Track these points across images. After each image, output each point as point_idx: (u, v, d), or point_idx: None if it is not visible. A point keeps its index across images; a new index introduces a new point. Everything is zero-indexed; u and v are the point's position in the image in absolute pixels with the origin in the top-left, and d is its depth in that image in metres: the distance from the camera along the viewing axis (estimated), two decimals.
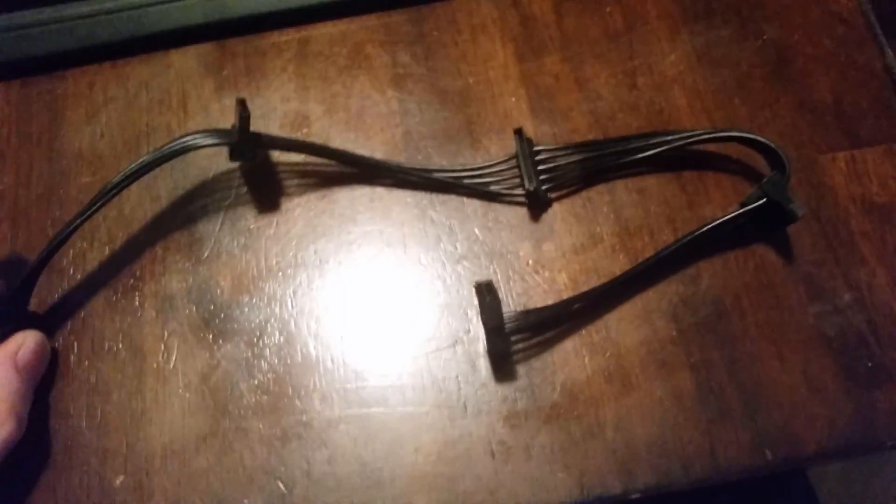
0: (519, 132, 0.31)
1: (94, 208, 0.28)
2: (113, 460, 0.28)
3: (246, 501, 0.27)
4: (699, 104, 0.33)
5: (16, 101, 0.34)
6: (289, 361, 0.29)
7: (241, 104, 0.29)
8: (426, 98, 0.33)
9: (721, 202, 0.31)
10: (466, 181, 0.31)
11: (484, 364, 0.29)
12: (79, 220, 0.28)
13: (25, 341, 0.27)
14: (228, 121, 0.32)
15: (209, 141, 0.28)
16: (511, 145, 0.32)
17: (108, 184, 0.28)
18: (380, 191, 0.32)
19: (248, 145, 0.29)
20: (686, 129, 0.31)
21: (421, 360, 0.29)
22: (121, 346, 0.29)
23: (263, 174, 0.32)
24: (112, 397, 0.29)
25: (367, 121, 0.33)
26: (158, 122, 0.33)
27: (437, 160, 0.32)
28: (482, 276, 0.30)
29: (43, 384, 0.28)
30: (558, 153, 0.31)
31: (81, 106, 0.34)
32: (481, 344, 0.29)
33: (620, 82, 0.34)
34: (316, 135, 0.33)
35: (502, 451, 0.27)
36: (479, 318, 0.28)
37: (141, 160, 0.28)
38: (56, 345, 0.29)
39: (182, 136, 0.28)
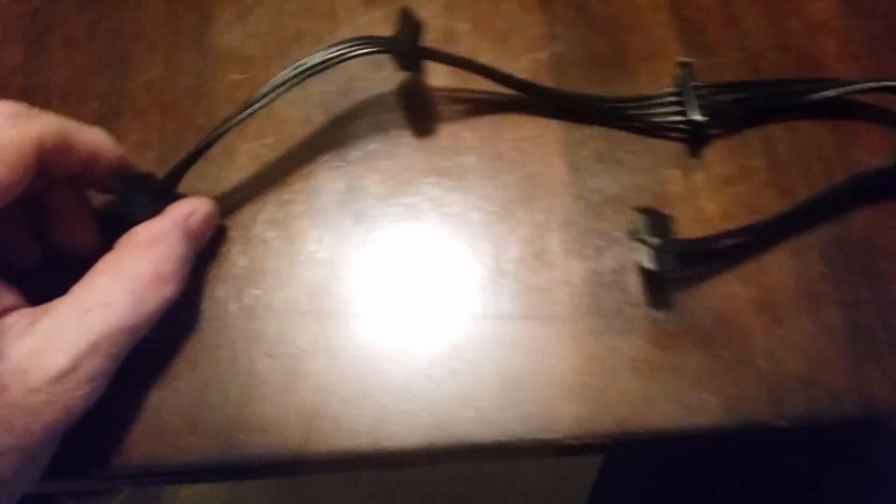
0: (684, 64, 0.31)
1: (259, 105, 0.27)
2: (261, 344, 0.28)
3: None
4: (848, 51, 0.33)
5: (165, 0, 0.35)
6: (439, 264, 0.29)
7: (407, 14, 0.29)
8: (574, 23, 0.33)
9: (873, 150, 0.31)
10: (628, 111, 0.31)
11: (634, 283, 0.28)
12: (242, 115, 0.27)
13: (198, 209, 0.27)
14: (376, 32, 0.32)
15: (379, 48, 0.28)
16: (664, 78, 0.32)
17: (272, 81, 0.28)
18: (526, 116, 0.32)
19: (415, 56, 0.29)
20: (844, 78, 0.31)
21: (574, 275, 0.29)
22: (271, 235, 0.30)
23: (414, 90, 0.32)
24: (262, 284, 0.29)
25: (513, 42, 0.33)
26: (307, 29, 0.33)
27: (586, 87, 0.32)
28: (637, 204, 0.29)
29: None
30: (718, 90, 0.31)
31: (230, 7, 0.34)
32: (631, 265, 0.29)
33: (770, 23, 0.33)
34: (463, 53, 0.32)
35: (649, 370, 0.27)
36: (633, 239, 0.28)
37: (308, 60, 0.27)
38: None
39: (349, 41, 0.28)
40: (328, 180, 0.31)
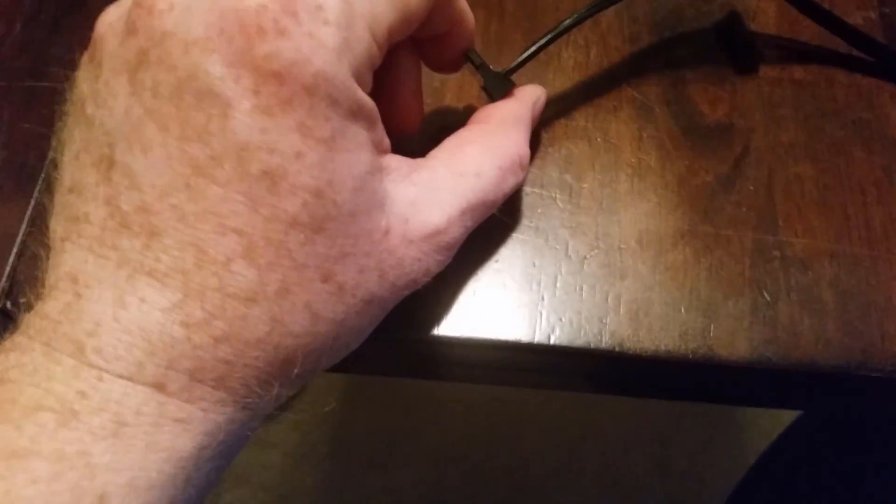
0: None
1: (589, 13, 0.28)
2: (584, 235, 0.27)
3: (730, 303, 0.26)
4: None
5: None
6: (767, 184, 0.28)
7: None
8: None
9: None
10: None
11: None
12: (580, 16, 0.28)
13: (541, 97, 0.27)
14: None
15: None
16: None
17: None
18: (852, 70, 0.32)
19: None
20: None
21: None
22: (596, 136, 0.29)
23: (738, 30, 0.32)
24: (585, 178, 0.29)
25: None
26: None
27: None
28: None
29: None
30: None
31: None
32: None
33: None
34: None
35: None
36: None
37: None
38: None
39: None
40: (657, 94, 0.30)
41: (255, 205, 0.17)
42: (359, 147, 0.19)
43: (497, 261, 0.27)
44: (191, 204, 0.17)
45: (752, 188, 0.29)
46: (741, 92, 0.31)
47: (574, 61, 0.31)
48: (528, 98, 0.26)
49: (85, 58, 0.20)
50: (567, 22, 0.28)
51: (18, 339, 0.17)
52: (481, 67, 0.27)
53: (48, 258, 0.19)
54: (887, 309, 0.26)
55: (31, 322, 0.18)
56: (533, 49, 0.28)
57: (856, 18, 0.33)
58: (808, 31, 0.32)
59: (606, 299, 0.26)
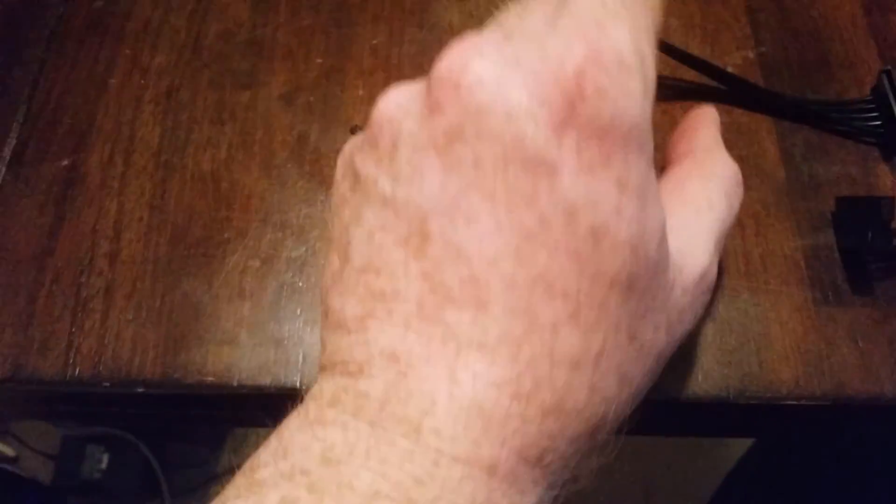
0: (887, 72, 0.33)
1: None
2: None
3: None
4: None
5: None
6: None
7: None
8: (778, 30, 0.35)
9: None
10: (831, 114, 0.33)
11: (850, 263, 0.29)
12: None
13: (716, 115, 0.27)
14: None
15: None
16: (863, 85, 0.34)
17: None
18: (734, 107, 0.33)
19: None
20: None
21: (789, 248, 0.30)
22: None
23: None
24: None
25: (722, 41, 0.35)
26: None
27: (787, 87, 0.34)
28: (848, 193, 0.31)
29: None
30: None
31: None
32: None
33: None
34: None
35: (868, 341, 0.28)
36: (837, 226, 0.30)
37: None
38: None
39: None
40: None
41: (581, 266, 0.17)
42: (656, 196, 0.18)
43: None
44: (520, 270, 0.17)
45: None
46: None
47: None
48: (709, 117, 0.26)
49: (358, 140, 0.20)
50: None
51: (333, 414, 0.17)
52: None
53: (333, 339, 0.18)
54: (765, 338, 0.28)
55: (344, 399, 0.17)
56: None
57: (735, 58, 0.35)
58: (690, 73, 0.34)
59: None
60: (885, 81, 0.33)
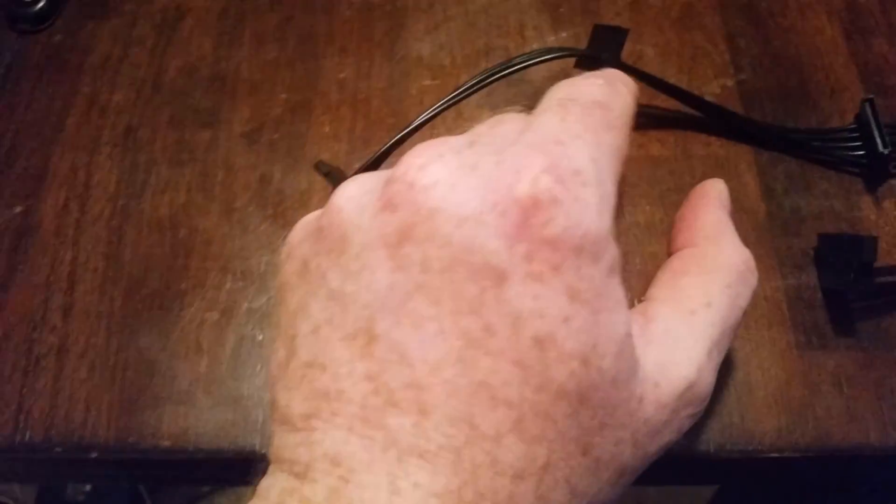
0: (870, 101, 0.32)
1: (447, 104, 0.28)
2: None
3: None
4: None
5: (358, 6, 0.36)
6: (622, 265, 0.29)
7: (611, 28, 0.30)
8: (758, 57, 0.34)
9: None
10: (812, 142, 0.32)
11: (833, 304, 0.28)
12: (427, 115, 0.28)
13: (723, 189, 0.24)
14: None
15: (580, 54, 0.29)
16: (845, 113, 0.33)
17: (460, 85, 0.28)
18: (713, 136, 0.32)
19: (613, 64, 0.30)
20: None
21: (770, 289, 0.29)
22: None
23: None
24: None
25: (700, 69, 0.34)
26: (496, 44, 0.35)
27: (768, 116, 0.33)
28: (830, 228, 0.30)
29: None
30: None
31: (422, 20, 0.36)
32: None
33: None
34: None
35: (853, 387, 0.27)
36: (819, 265, 0.28)
37: (501, 65, 0.28)
38: None
39: (543, 50, 0.29)
40: None
41: (525, 374, 0.16)
42: (617, 305, 0.18)
43: None
44: (462, 378, 0.16)
45: None
46: None
47: None
48: (713, 196, 0.24)
49: (303, 229, 0.19)
50: (421, 118, 0.28)
51: None
52: (329, 175, 0.28)
53: (280, 433, 0.18)
54: (745, 385, 0.27)
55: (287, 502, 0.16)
56: (385, 147, 0.29)
57: (713, 87, 0.33)
58: (667, 101, 0.32)
59: None
60: (868, 110, 0.32)
